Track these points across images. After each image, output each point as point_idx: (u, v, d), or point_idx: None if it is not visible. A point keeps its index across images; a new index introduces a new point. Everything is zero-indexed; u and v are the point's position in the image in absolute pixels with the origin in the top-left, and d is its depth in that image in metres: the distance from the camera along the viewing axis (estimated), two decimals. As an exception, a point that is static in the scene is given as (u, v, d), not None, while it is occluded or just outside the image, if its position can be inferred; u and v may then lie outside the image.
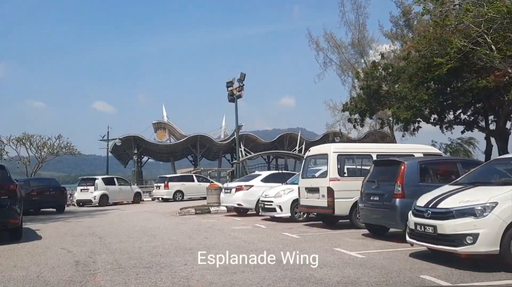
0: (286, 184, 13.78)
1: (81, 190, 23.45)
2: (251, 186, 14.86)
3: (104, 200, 23.04)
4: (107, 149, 30.96)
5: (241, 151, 49.66)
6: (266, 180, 15.19)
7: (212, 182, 27.91)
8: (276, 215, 12.58)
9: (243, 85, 19.75)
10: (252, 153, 48.62)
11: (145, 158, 61.38)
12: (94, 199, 22.75)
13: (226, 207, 15.95)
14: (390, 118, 34.19)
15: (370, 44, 39.96)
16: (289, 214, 12.32)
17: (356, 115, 33.59)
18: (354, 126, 34.48)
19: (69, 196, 28.01)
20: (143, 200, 26.80)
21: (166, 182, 26.18)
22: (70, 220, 15.07)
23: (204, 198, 26.20)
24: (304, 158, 12.33)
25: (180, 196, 26.17)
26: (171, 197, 25.89)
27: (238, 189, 14.91)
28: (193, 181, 27.22)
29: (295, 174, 15.34)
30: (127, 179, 27.44)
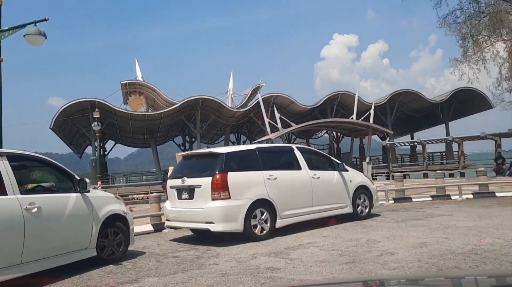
0: None
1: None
2: None
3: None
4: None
5: (269, 122, 30.81)
6: None
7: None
8: None
9: None
10: (293, 123, 29.81)
11: (109, 143, 40.79)
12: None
13: None
14: None
15: None
16: None
17: None
18: None
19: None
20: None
21: (218, 172, 7.17)
22: None
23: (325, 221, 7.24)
24: None
25: (267, 219, 7.34)
26: (238, 224, 7.01)
27: None
28: (298, 167, 8.35)
29: None
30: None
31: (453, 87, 35.50)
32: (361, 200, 9.12)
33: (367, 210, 9.18)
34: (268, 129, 30.52)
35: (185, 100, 30.50)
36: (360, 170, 34.08)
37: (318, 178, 8.34)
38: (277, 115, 29.56)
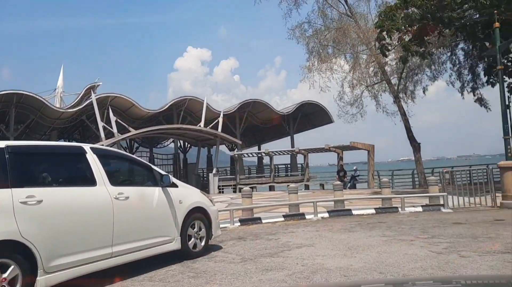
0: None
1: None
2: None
3: None
4: None
5: (103, 126, 26.37)
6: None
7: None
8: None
9: None
10: (132, 129, 25.72)
11: None
12: None
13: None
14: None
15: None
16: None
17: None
18: (414, 53, 16.67)
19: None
20: None
21: None
22: None
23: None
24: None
25: (15, 277, 3.89)
26: None
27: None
28: (91, 180, 5.08)
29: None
30: None
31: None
32: (195, 229, 6.30)
33: (203, 243, 6.39)
34: (103, 135, 26.16)
35: (-8, 95, 24.10)
36: (207, 181, 31.85)
37: (127, 198, 5.23)
38: (113, 118, 25.43)
